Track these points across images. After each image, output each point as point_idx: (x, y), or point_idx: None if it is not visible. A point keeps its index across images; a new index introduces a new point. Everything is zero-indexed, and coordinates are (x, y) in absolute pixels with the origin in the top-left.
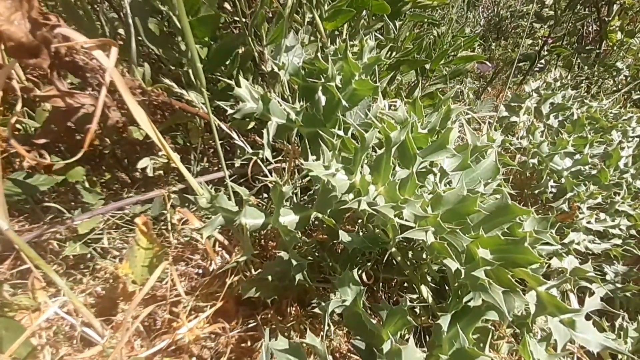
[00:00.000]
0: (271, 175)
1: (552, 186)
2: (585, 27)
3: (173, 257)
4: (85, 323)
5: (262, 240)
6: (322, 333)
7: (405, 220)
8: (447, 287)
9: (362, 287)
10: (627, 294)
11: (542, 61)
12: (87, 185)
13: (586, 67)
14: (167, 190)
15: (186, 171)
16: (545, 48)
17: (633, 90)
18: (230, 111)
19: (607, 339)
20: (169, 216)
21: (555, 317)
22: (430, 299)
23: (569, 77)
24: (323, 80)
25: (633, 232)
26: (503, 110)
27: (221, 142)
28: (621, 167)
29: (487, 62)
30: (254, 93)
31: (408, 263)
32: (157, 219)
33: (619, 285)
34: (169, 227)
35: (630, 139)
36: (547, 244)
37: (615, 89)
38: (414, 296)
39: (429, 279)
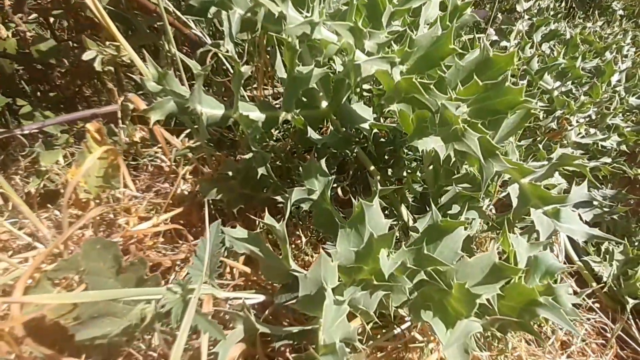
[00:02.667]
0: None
1: (541, 107)
2: None
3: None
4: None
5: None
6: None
7: (367, 52)
8: (427, 208)
9: (329, 178)
10: (615, 217)
11: None
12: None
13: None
14: (120, 102)
15: (134, 54)
16: None
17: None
18: None
19: (594, 228)
20: (122, 132)
21: (539, 209)
22: (410, 222)
23: (562, 6)
24: None
25: (624, 148)
26: (492, 33)
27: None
28: (614, 83)
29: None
30: None
31: (388, 183)
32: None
33: (606, 210)
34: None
35: (624, 57)
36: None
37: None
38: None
39: (410, 200)
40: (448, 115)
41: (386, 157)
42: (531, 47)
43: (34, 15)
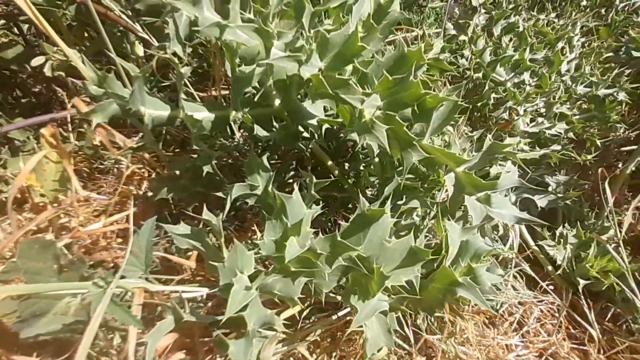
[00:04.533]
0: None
1: (494, 98)
2: None
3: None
4: None
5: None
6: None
7: (276, 51)
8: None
9: (271, 173)
10: (568, 202)
11: None
12: None
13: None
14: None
15: (76, 58)
16: None
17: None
18: None
19: (522, 212)
20: (71, 136)
21: (472, 195)
22: None
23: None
24: None
25: (572, 135)
26: (451, 28)
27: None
28: (563, 72)
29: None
30: None
31: (346, 177)
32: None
33: (560, 195)
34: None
35: (574, 47)
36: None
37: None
38: None
39: (369, 193)
40: (360, 110)
41: (347, 150)
42: (491, 40)
43: (3, 21)
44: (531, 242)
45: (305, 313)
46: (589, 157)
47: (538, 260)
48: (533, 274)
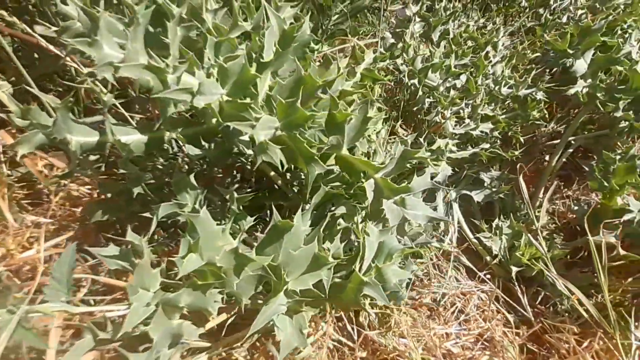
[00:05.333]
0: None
1: (429, 102)
2: None
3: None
4: None
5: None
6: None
7: (172, 83)
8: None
9: (199, 191)
10: (502, 195)
11: None
12: None
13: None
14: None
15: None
16: None
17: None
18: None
19: (433, 210)
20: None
21: (390, 199)
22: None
23: (459, 5)
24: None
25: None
26: (389, 37)
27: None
28: (488, 75)
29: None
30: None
31: (289, 186)
32: None
33: (494, 190)
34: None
35: (499, 50)
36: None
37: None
38: None
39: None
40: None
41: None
42: (432, 46)
43: None
44: (471, 235)
45: (231, 320)
46: (516, 152)
47: (478, 252)
48: (471, 265)
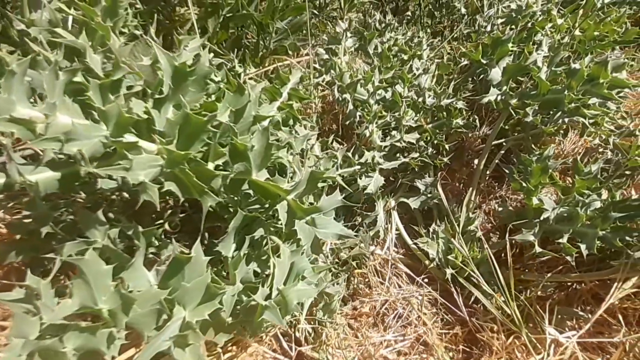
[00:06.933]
0: None
1: (359, 116)
2: None
3: None
4: None
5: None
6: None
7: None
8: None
9: (108, 226)
10: (436, 201)
11: None
12: None
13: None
14: None
15: None
16: None
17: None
18: None
19: (344, 228)
20: None
21: (302, 219)
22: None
23: (394, 19)
24: None
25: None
26: (323, 53)
27: None
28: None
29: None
30: None
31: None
32: None
33: (429, 196)
34: None
35: (422, 62)
36: (349, 165)
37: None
38: None
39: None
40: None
41: None
42: (368, 58)
43: None
44: (409, 241)
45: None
46: (445, 159)
47: (418, 257)
48: (409, 271)
